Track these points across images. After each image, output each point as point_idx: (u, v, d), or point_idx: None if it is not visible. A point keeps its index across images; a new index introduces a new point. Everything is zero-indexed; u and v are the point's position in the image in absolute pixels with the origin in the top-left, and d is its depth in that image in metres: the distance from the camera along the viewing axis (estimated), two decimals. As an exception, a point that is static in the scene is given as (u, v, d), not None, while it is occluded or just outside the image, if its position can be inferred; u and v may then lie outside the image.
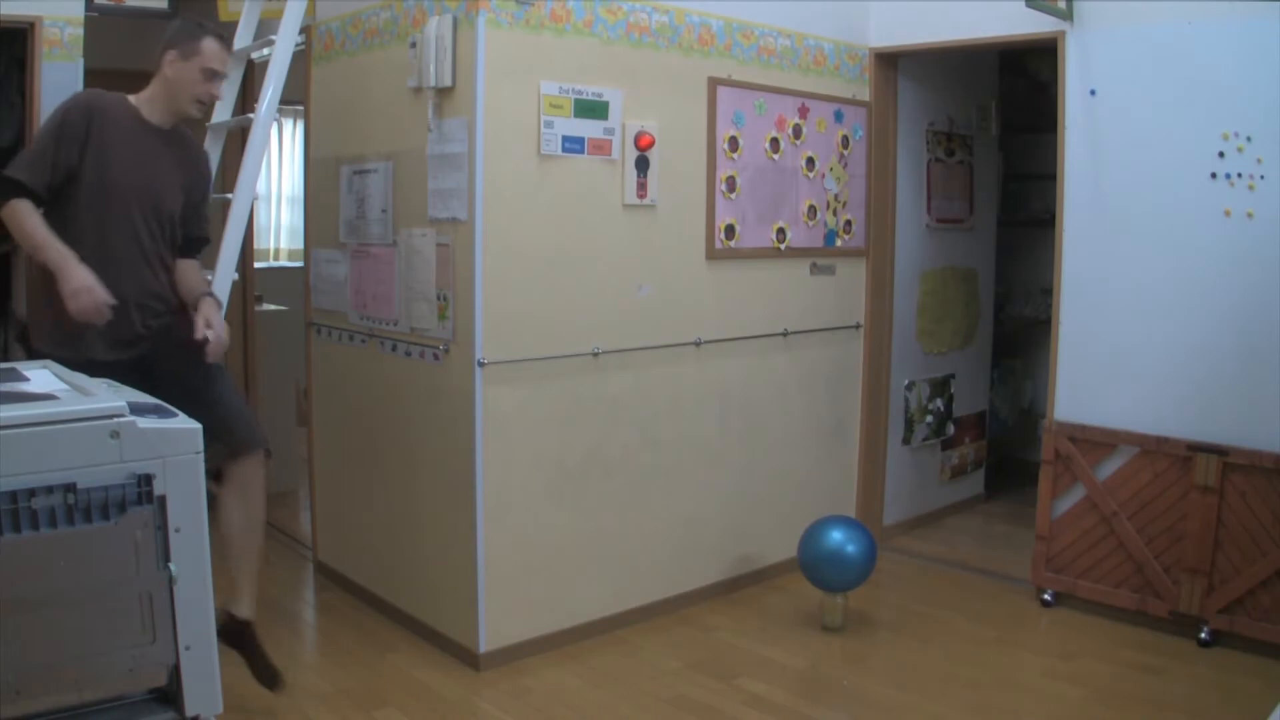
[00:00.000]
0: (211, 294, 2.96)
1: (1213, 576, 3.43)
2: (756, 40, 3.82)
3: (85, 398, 1.97)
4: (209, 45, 2.84)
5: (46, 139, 2.73)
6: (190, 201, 2.97)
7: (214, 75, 2.87)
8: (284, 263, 6.93)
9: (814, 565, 3.56)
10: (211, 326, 2.83)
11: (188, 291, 2.96)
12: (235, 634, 2.88)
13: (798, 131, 3.99)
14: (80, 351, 2.69)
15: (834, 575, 3.54)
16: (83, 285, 2.60)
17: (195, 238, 3.02)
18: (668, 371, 3.65)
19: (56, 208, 2.73)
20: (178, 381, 2.73)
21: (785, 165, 3.95)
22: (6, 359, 4.12)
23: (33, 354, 2.78)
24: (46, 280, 2.71)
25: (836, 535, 3.53)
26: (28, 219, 2.68)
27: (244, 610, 2.90)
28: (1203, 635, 3.45)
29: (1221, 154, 3.38)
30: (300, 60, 3.76)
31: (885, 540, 4.56)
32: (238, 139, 3.46)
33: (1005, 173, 5.45)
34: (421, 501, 3.44)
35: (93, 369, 2.54)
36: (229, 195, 3.20)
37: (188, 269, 3.00)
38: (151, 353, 2.87)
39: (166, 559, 1.91)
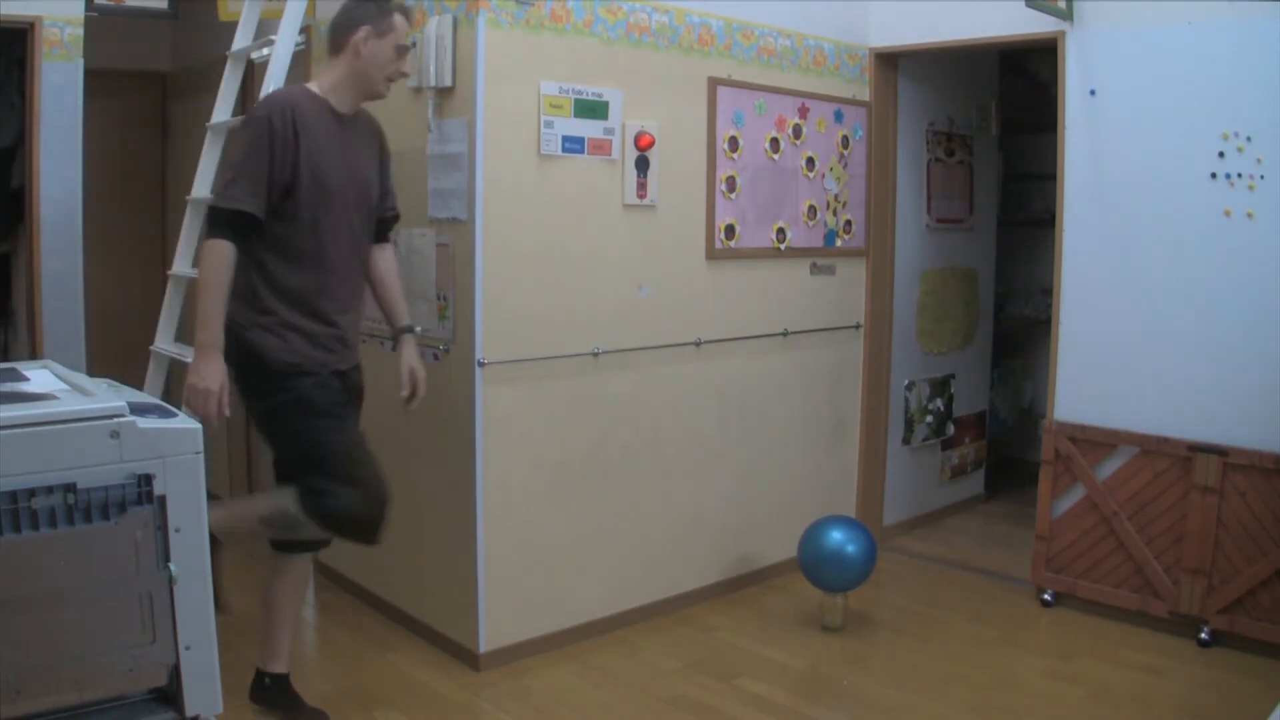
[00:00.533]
0: (410, 328, 2.87)
1: (1213, 576, 3.42)
2: (756, 40, 3.82)
3: (85, 398, 1.97)
4: (400, 20, 2.69)
5: (257, 155, 2.50)
6: (382, 184, 2.85)
7: (404, 51, 2.71)
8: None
9: (814, 565, 3.56)
10: (416, 381, 2.80)
11: (385, 295, 2.88)
12: (275, 691, 2.83)
13: (798, 131, 3.99)
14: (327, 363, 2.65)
15: (834, 575, 3.54)
16: (214, 387, 2.48)
17: (387, 219, 2.90)
18: (668, 371, 3.65)
19: (268, 229, 2.56)
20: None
21: (785, 165, 3.95)
22: (7, 359, 4.12)
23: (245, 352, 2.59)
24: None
25: (836, 535, 3.53)
26: (223, 270, 2.49)
27: (281, 665, 2.84)
28: (1203, 635, 3.45)
29: (1221, 154, 3.38)
30: (300, 60, 3.76)
31: (885, 540, 4.56)
32: (238, 139, 3.46)
33: (1005, 173, 5.45)
34: (422, 501, 3.44)
35: (335, 379, 2.65)
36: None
37: (382, 260, 2.89)
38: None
39: (166, 559, 1.91)
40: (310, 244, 2.62)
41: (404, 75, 2.79)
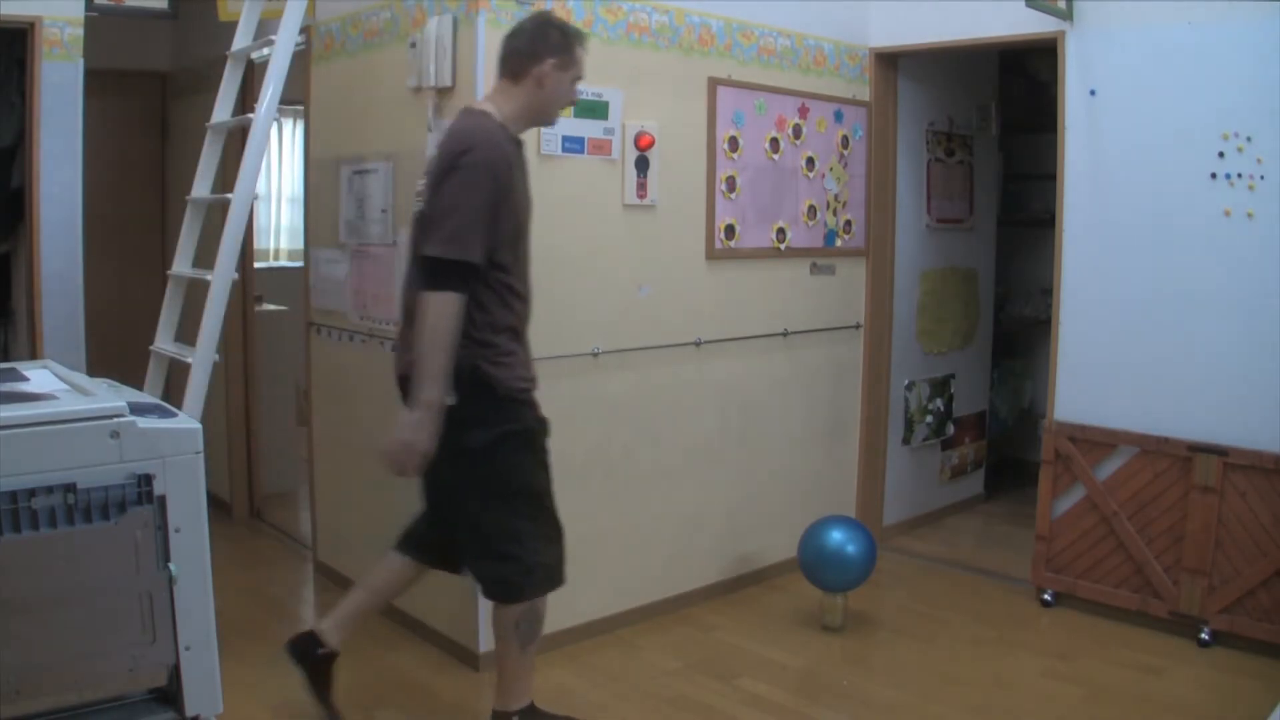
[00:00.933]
0: None
1: (1213, 576, 3.43)
2: (756, 40, 3.82)
3: (85, 398, 1.97)
4: (582, 53, 2.64)
5: (479, 204, 2.41)
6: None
7: (579, 80, 2.67)
8: (284, 263, 6.93)
9: (814, 565, 3.56)
10: None
11: None
12: (320, 659, 2.81)
13: (798, 131, 3.99)
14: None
15: (834, 575, 3.54)
16: (428, 448, 2.45)
17: None
18: (668, 371, 3.65)
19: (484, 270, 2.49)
20: None
21: (785, 165, 3.95)
22: (7, 359, 4.12)
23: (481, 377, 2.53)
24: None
25: (836, 535, 3.53)
26: (455, 323, 2.42)
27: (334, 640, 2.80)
28: (1203, 635, 3.45)
29: (1221, 154, 3.38)
30: (300, 60, 3.76)
31: (885, 540, 4.56)
32: (238, 139, 3.46)
33: (1005, 173, 5.45)
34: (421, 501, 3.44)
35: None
36: (228, 195, 3.20)
37: None
38: None
39: (166, 559, 1.91)
40: (518, 281, 2.59)
41: (573, 102, 2.80)
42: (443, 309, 2.41)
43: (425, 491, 2.80)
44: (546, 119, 2.70)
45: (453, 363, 2.45)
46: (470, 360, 2.50)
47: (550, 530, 2.70)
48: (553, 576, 2.71)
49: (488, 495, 2.60)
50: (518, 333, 2.63)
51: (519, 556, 2.61)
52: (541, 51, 2.56)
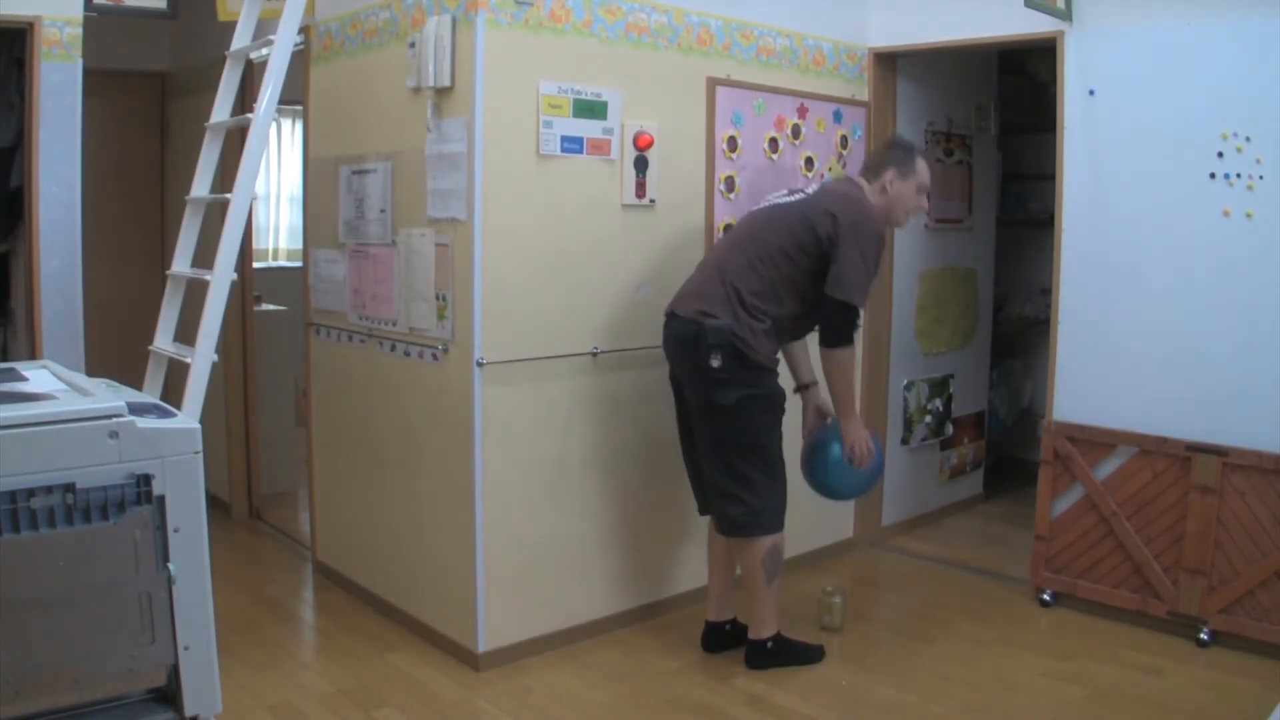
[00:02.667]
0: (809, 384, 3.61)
1: (1212, 577, 3.43)
2: (756, 40, 3.82)
3: (84, 398, 1.97)
4: (923, 165, 3.26)
5: (874, 263, 3.12)
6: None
7: (925, 189, 3.28)
8: (283, 263, 6.93)
9: (822, 470, 3.43)
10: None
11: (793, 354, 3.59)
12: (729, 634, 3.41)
13: (797, 131, 3.99)
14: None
15: (847, 479, 3.44)
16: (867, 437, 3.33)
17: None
18: (667, 371, 3.64)
19: (807, 294, 3.17)
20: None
21: (784, 165, 3.95)
22: (6, 359, 4.12)
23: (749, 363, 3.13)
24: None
25: (837, 448, 3.39)
26: (855, 369, 3.32)
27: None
28: (1202, 635, 3.45)
29: (1221, 154, 3.38)
30: (299, 60, 3.76)
31: (885, 540, 4.56)
32: (237, 139, 3.46)
33: (1004, 173, 5.45)
34: (421, 501, 3.44)
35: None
36: (227, 195, 3.20)
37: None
38: None
39: (166, 559, 1.91)
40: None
41: (923, 209, 3.40)
42: (850, 358, 3.21)
43: (686, 451, 3.37)
44: (894, 220, 3.34)
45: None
46: (735, 324, 3.10)
47: (775, 480, 3.22)
48: (776, 520, 3.22)
49: (727, 448, 3.18)
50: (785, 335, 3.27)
51: (748, 501, 3.16)
52: (886, 162, 3.28)
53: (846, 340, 3.13)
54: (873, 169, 3.29)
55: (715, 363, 3.06)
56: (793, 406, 3.38)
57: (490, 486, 3.20)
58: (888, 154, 3.29)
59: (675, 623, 3.65)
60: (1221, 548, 3.41)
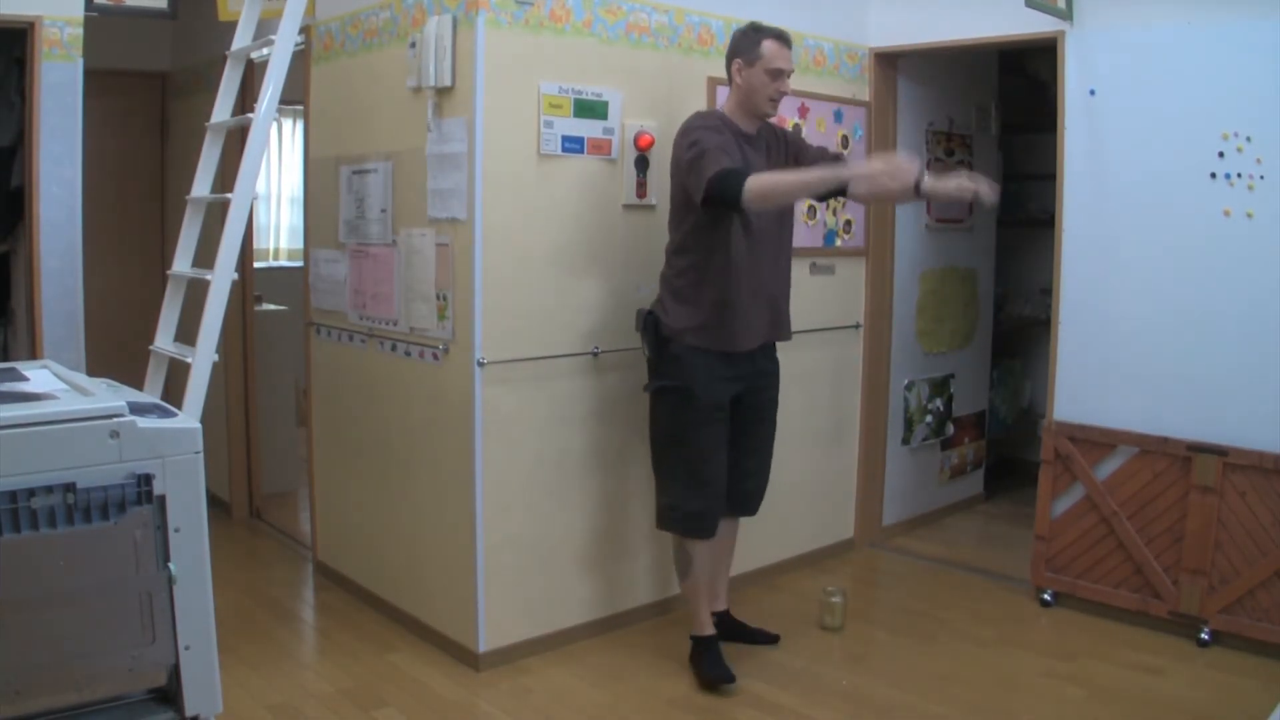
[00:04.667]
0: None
1: (1212, 576, 3.43)
2: (756, 40, 3.82)
3: (85, 397, 1.97)
4: (768, 46, 3.01)
5: (713, 146, 2.89)
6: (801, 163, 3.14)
7: (779, 74, 3.02)
8: (284, 263, 6.93)
9: None
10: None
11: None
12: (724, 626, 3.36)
13: (797, 131, 3.98)
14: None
15: None
16: (885, 164, 2.80)
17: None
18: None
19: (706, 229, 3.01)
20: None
21: (785, 165, 3.94)
22: (6, 358, 4.12)
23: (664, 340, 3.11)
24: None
25: None
26: (774, 177, 2.88)
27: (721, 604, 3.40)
28: (1203, 635, 3.45)
29: (1221, 154, 3.38)
30: (300, 60, 3.76)
31: (885, 540, 4.56)
32: (237, 139, 3.46)
33: (1005, 173, 5.44)
34: (421, 501, 3.44)
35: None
36: (228, 195, 3.20)
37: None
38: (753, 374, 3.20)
39: (166, 559, 1.91)
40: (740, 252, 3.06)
41: (785, 94, 3.09)
42: (760, 188, 2.83)
43: None
44: (758, 110, 3.09)
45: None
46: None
47: (695, 482, 3.13)
48: (688, 524, 3.14)
49: (653, 438, 3.23)
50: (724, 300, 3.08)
51: (668, 496, 3.18)
52: (732, 52, 3.09)
53: (734, 198, 2.82)
54: (727, 63, 3.13)
55: (646, 351, 3.16)
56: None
57: (490, 486, 3.20)
58: (734, 42, 3.11)
59: (676, 622, 3.65)
60: (1222, 548, 3.41)
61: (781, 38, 3.05)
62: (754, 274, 3.09)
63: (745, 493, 3.33)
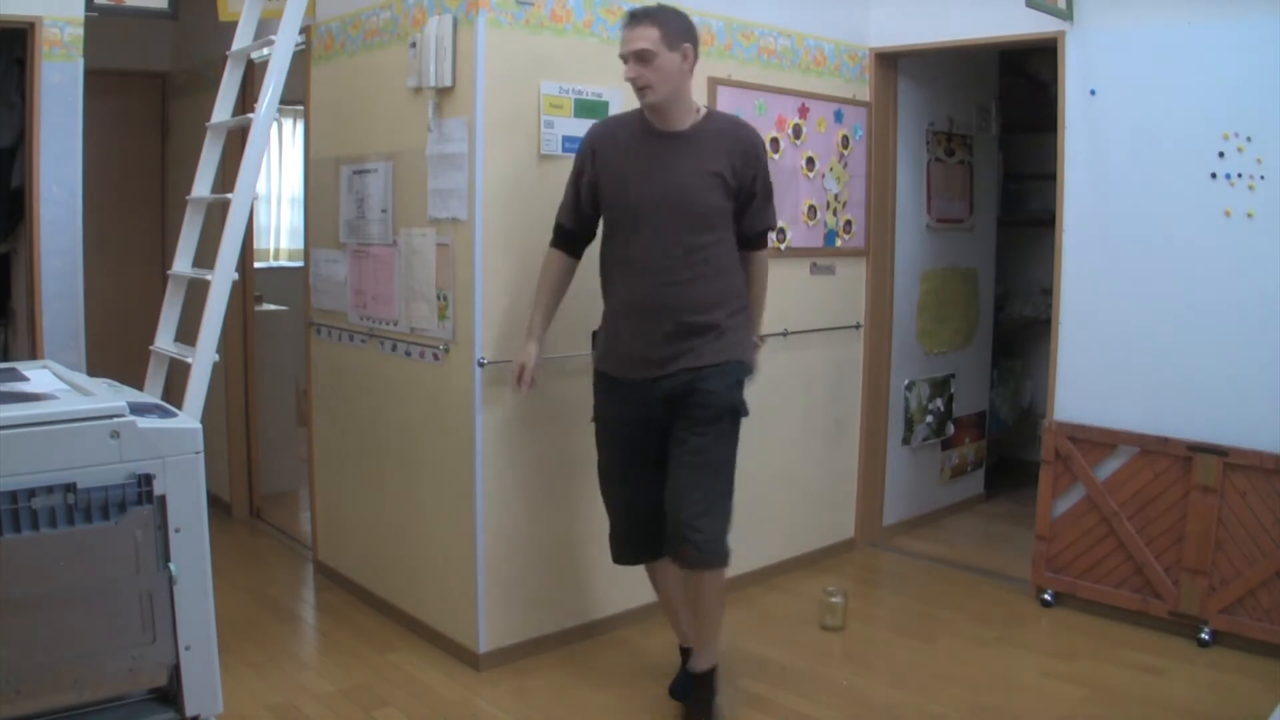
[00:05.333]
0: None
1: (1213, 576, 3.43)
2: (756, 40, 3.82)
3: (85, 397, 1.97)
4: (622, 33, 2.76)
5: (571, 177, 2.90)
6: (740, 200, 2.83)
7: (624, 60, 2.75)
8: (284, 263, 6.93)
9: None
10: None
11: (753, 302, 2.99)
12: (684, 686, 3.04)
13: (798, 131, 3.98)
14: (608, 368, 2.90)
15: None
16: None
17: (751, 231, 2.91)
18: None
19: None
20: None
21: (785, 165, 3.95)
22: (7, 359, 4.12)
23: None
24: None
25: None
26: (541, 276, 3.04)
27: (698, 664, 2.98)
28: (1203, 635, 3.45)
29: (1221, 154, 3.38)
30: (300, 60, 3.76)
31: (885, 540, 4.56)
32: (237, 139, 3.46)
33: (1005, 173, 5.45)
34: (421, 501, 3.44)
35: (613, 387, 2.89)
36: (228, 195, 3.20)
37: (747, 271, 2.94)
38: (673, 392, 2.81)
39: (166, 559, 1.91)
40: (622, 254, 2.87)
41: (630, 80, 2.75)
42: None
43: None
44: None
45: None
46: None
47: (608, 507, 3.05)
48: (611, 547, 3.06)
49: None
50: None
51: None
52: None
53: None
54: None
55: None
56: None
57: (491, 486, 3.20)
58: None
59: (676, 623, 3.65)
60: (1222, 548, 3.41)
61: (626, 22, 2.76)
62: (638, 294, 2.81)
63: (665, 535, 2.86)
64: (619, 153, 2.82)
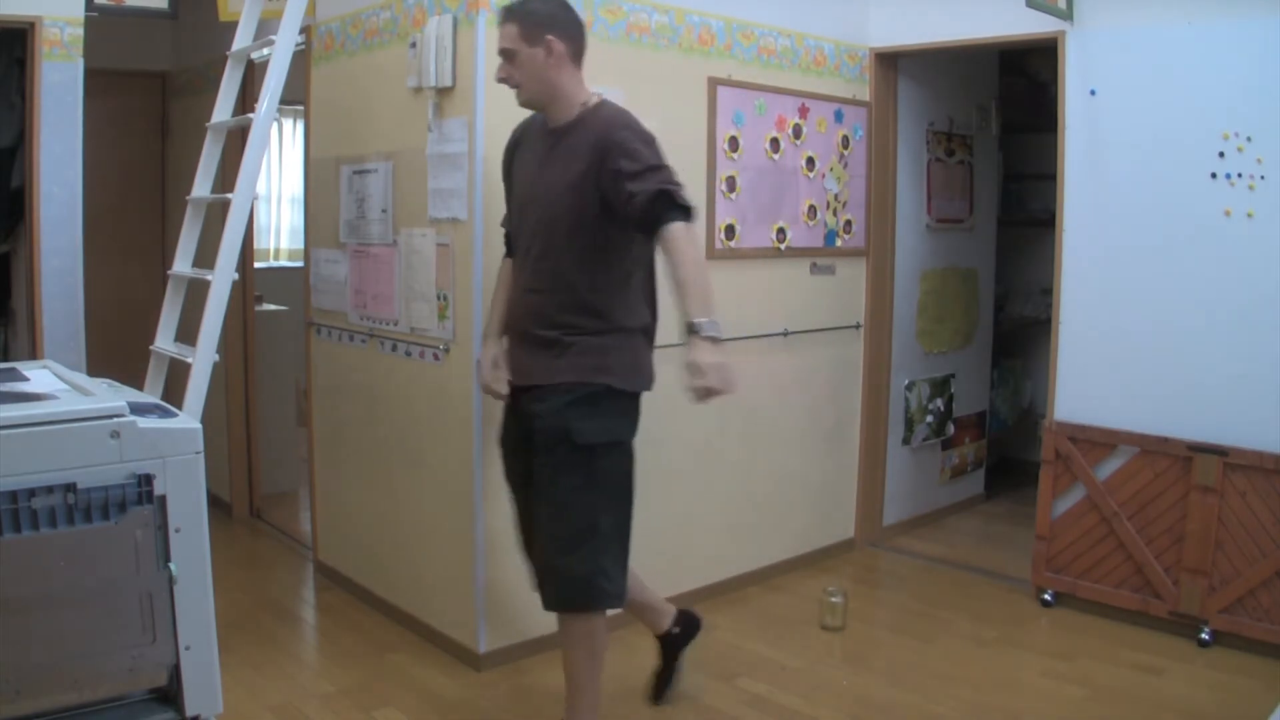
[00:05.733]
0: (694, 326, 2.42)
1: (1213, 576, 3.43)
2: (756, 40, 3.82)
3: (85, 397, 1.97)
4: (500, 29, 2.58)
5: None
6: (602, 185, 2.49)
7: (499, 55, 2.58)
8: (284, 263, 6.93)
9: None
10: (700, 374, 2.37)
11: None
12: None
13: (798, 131, 3.98)
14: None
15: None
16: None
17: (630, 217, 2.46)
18: (667, 371, 3.63)
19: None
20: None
21: (785, 165, 3.95)
22: (7, 359, 4.12)
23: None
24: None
25: None
26: (497, 288, 2.89)
27: None
28: (1203, 635, 3.45)
29: (1221, 154, 3.38)
30: (300, 60, 3.76)
31: (885, 540, 4.56)
32: (237, 139, 3.46)
33: (1005, 173, 5.45)
34: (421, 501, 3.44)
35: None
36: (228, 195, 3.20)
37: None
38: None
39: (167, 559, 1.91)
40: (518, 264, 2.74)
41: (499, 80, 2.60)
42: (695, 236, 2.52)
43: None
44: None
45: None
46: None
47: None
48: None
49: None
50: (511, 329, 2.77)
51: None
52: None
53: (681, 214, 2.46)
54: None
55: None
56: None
57: (491, 486, 3.20)
58: None
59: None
60: (1222, 547, 3.41)
61: (501, 18, 2.59)
62: (513, 298, 2.73)
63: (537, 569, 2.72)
64: (523, 151, 2.72)
